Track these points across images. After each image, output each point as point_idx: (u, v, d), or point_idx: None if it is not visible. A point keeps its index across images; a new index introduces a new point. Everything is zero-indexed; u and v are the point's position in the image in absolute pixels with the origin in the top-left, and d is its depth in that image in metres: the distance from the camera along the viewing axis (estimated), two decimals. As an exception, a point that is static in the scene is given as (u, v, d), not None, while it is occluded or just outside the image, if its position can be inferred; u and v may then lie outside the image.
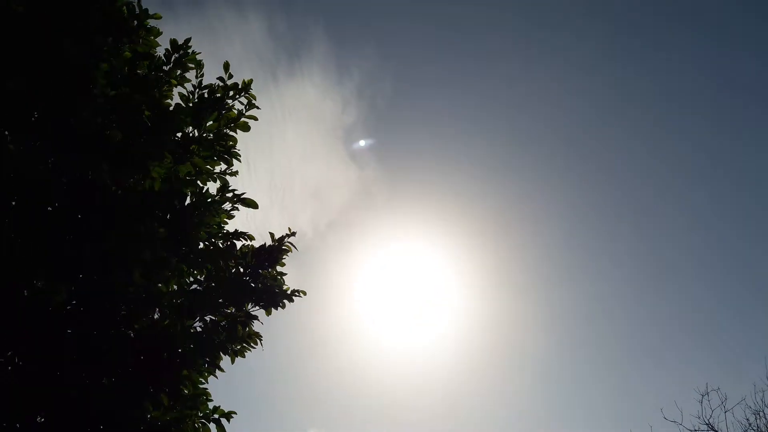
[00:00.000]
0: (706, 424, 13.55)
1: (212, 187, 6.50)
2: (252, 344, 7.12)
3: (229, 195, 6.42)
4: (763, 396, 13.42)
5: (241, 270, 6.80)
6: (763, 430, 13.47)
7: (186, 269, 6.58)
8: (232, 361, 6.99)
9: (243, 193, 6.49)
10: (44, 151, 5.38)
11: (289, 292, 7.05)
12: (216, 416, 6.40)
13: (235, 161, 6.64)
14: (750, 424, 13.40)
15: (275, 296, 7.01)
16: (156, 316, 6.55)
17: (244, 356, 7.14)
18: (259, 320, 6.92)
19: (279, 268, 6.97)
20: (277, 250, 6.84)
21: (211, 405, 6.41)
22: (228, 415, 6.46)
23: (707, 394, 13.49)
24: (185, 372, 6.32)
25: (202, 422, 6.30)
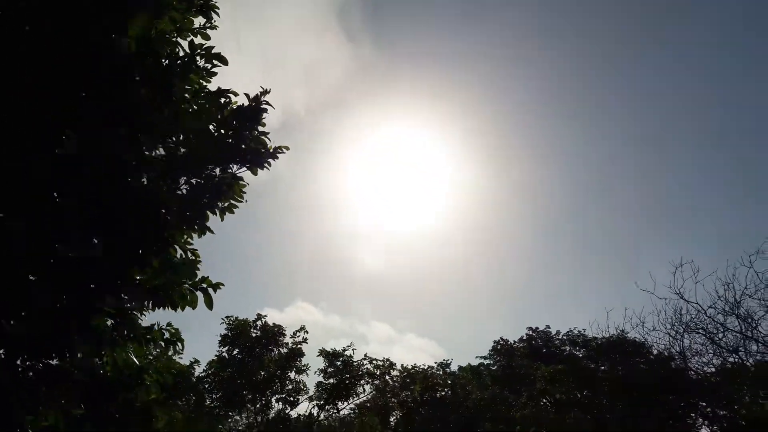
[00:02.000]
0: (677, 293, 13.34)
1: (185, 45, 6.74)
2: (239, 199, 7.31)
3: (199, 51, 6.60)
4: (735, 271, 13.96)
5: (223, 132, 6.97)
6: (731, 300, 13.29)
7: (171, 132, 6.88)
8: (221, 219, 7.27)
9: (212, 47, 6.66)
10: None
11: (272, 150, 7.10)
12: (204, 286, 6.67)
13: (215, 15, 6.83)
14: (719, 296, 12.86)
15: (260, 156, 7.14)
16: (144, 182, 6.90)
17: (233, 212, 7.36)
18: (244, 181, 7.07)
19: (261, 128, 7.07)
20: (255, 109, 6.95)
21: (200, 275, 6.68)
22: (216, 286, 6.75)
23: (681, 266, 13.37)
24: (173, 233, 6.61)
25: (189, 290, 6.59)
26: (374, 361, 23.77)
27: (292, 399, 21.81)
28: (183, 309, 6.55)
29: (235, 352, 21.17)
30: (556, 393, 31.28)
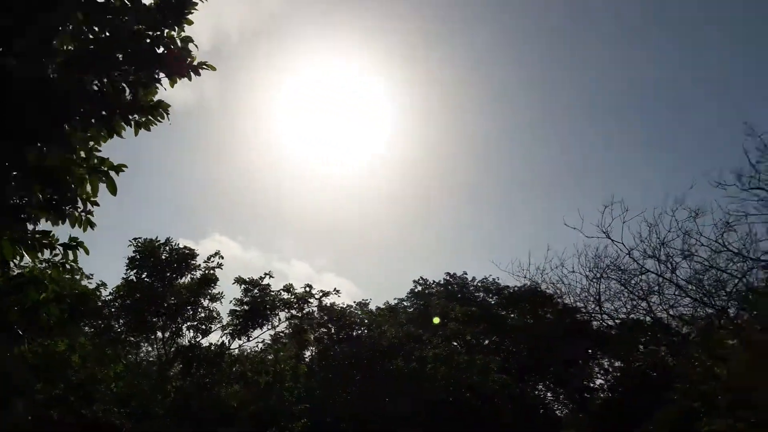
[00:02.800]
0: (604, 232, 14.71)
1: None
2: (158, 117, 6.95)
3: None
4: (661, 214, 14.35)
5: (143, 28, 6.46)
6: (654, 243, 14.11)
7: (85, 20, 6.31)
8: (135, 133, 6.89)
9: None
10: None
11: (195, 63, 6.71)
12: (104, 168, 6.28)
13: None
14: (642, 238, 14.12)
15: (181, 63, 6.71)
16: (51, 74, 6.38)
17: (149, 129, 6.98)
18: (162, 86, 6.67)
19: (186, 32, 6.61)
20: (181, 3, 6.45)
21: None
22: (118, 168, 6.35)
23: (611, 205, 14.49)
24: (75, 131, 6.17)
25: (88, 172, 6.20)
26: (293, 290, 23.70)
27: (204, 327, 21.58)
28: (82, 196, 6.16)
29: (143, 276, 20.53)
30: (467, 335, 32.72)
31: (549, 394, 46.74)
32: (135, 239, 20.47)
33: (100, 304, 19.83)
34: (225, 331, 22.06)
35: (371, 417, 28.28)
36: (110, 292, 20.25)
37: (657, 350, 29.14)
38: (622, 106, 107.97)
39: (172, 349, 21.32)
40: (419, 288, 46.94)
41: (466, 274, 50.56)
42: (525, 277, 15.46)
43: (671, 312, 14.29)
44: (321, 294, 24.26)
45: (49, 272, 6.76)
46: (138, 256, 20.41)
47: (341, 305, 36.03)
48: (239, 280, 22.49)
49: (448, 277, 51.44)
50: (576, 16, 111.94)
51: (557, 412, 45.37)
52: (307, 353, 33.18)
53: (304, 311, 23.77)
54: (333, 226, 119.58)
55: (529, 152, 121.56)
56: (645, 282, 14.36)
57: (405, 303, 49.65)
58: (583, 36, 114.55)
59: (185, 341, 21.26)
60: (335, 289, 24.51)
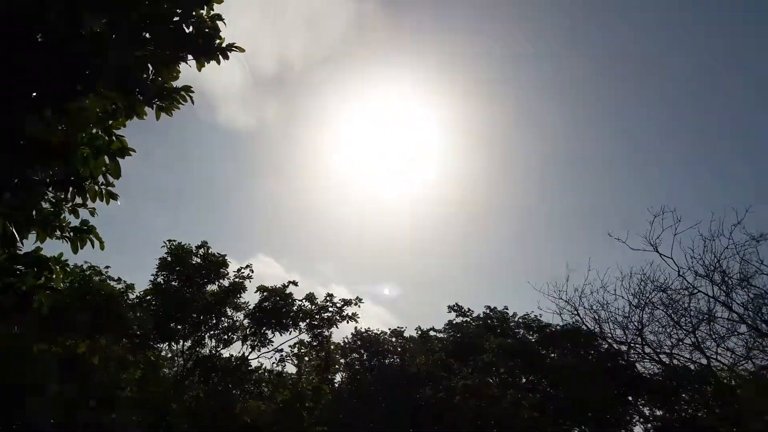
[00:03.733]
0: (651, 245, 13.14)
1: None
2: (181, 100, 6.80)
3: None
4: (722, 224, 12.90)
5: (166, 6, 6.33)
6: (708, 261, 12.56)
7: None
8: (157, 117, 6.77)
9: None
10: None
11: (224, 45, 6.56)
12: (111, 150, 6.11)
13: None
14: (695, 254, 12.53)
15: (209, 45, 6.55)
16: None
17: (170, 114, 6.84)
18: (187, 63, 6.53)
19: (216, 9, 6.46)
20: (211, -22, 6.30)
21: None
22: (124, 151, 6.17)
23: (661, 214, 12.87)
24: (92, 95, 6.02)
25: (93, 151, 6.03)
26: (314, 299, 23.22)
27: (225, 337, 21.34)
28: (86, 175, 5.95)
29: (173, 280, 20.45)
30: (501, 368, 31.67)
31: (586, 440, 44.89)
32: (169, 240, 20.50)
33: (125, 306, 19.90)
34: (246, 343, 21.72)
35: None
36: (137, 296, 20.25)
37: (703, 398, 27.60)
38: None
39: (192, 358, 21.11)
40: (456, 318, 45.85)
41: (506, 309, 49.42)
42: (561, 299, 14.41)
43: (721, 347, 13.08)
44: (342, 303, 23.55)
45: (56, 256, 6.51)
46: (169, 259, 20.36)
47: (375, 331, 35.74)
48: (261, 288, 22.16)
49: (488, 311, 50.31)
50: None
51: (593, 458, 43.42)
52: (337, 377, 32.83)
53: (325, 318, 23.13)
54: (375, 252, 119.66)
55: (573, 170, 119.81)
56: (695, 308, 13.24)
57: (441, 335, 48.74)
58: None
59: (206, 351, 21.01)
60: (357, 297, 23.78)
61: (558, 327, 42.94)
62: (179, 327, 20.53)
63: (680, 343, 14.48)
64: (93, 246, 6.86)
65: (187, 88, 6.73)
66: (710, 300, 12.78)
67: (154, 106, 6.73)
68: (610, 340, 15.09)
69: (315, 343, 22.86)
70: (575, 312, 14.87)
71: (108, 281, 19.81)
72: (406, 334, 40.04)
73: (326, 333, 22.99)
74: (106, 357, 19.22)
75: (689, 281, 12.55)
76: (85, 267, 19.53)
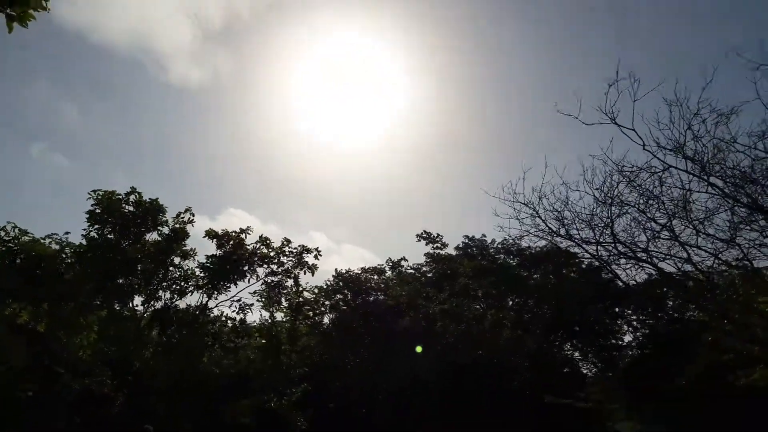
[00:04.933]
0: (608, 116, 10.61)
1: None
2: (38, 7, 5.25)
3: None
4: (687, 91, 10.41)
5: None
6: (678, 132, 10.26)
7: None
8: (9, 30, 5.29)
9: None
10: None
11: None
12: None
13: None
14: (661, 124, 10.36)
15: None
16: None
17: (25, 24, 5.30)
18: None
19: None
20: None
21: None
22: None
23: (616, 82, 10.26)
24: None
25: None
26: (269, 243, 21.62)
27: (178, 287, 19.86)
28: None
29: (107, 233, 18.74)
30: (479, 289, 30.74)
31: (577, 354, 44.94)
32: (94, 191, 18.60)
33: (64, 266, 18.28)
34: (201, 291, 20.27)
35: (381, 381, 26.88)
36: (73, 252, 18.55)
37: (685, 304, 26.82)
38: None
39: (147, 313, 19.66)
40: (427, 245, 44.33)
41: (485, 236, 48.32)
42: (518, 201, 12.57)
43: (702, 233, 11.45)
44: (301, 249, 22.02)
45: None
46: (98, 210, 18.58)
47: (356, 271, 34.82)
48: (210, 233, 20.54)
49: (466, 240, 49.28)
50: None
51: (585, 371, 43.52)
52: (325, 319, 32.05)
53: (282, 259, 21.66)
54: (348, 197, 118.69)
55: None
56: (667, 194, 11.50)
57: (424, 268, 47.79)
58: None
59: (161, 304, 19.56)
60: (316, 248, 22.20)
61: (538, 248, 42.23)
62: (128, 281, 18.94)
63: (657, 237, 12.84)
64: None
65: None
66: (684, 179, 10.96)
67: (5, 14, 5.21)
68: (577, 240, 13.15)
69: (273, 294, 21.42)
70: (535, 214, 12.97)
71: (40, 241, 18.07)
72: (389, 272, 39.16)
73: (288, 278, 21.54)
74: (53, 323, 17.80)
75: (659, 158, 10.59)
76: (9, 228, 17.79)
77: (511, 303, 42.79)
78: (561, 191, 12.81)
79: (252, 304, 20.89)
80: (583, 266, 41.29)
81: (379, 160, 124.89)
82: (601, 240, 12.99)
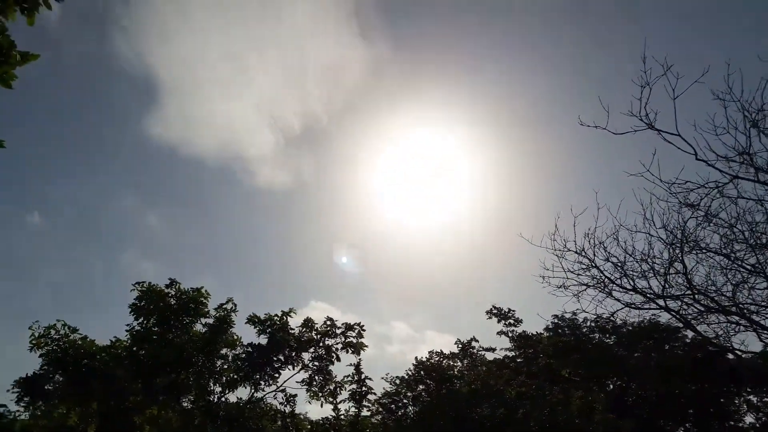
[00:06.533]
0: (643, 121, 7.80)
1: None
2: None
3: None
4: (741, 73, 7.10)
5: None
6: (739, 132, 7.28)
7: None
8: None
9: None
10: None
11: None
12: None
13: None
14: (716, 122, 7.32)
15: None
16: None
17: (32, 21, 4.82)
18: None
19: None
20: None
21: None
22: None
23: (647, 71, 7.37)
24: None
25: None
26: (313, 325, 20.09)
27: (228, 379, 18.64)
28: None
29: (152, 325, 18.04)
30: (562, 370, 27.48)
31: (690, 439, 39.28)
32: (138, 283, 18.18)
33: (111, 362, 17.65)
34: (248, 382, 18.89)
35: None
36: (121, 347, 17.93)
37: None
38: None
39: (199, 409, 18.46)
40: (498, 322, 40.88)
41: (575, 314, 44.46)
42: (568, 250, 10.43)
43: None
44: (345, 328, 20.36)
45: None
46: (141, 303, 18.03)
47: (435, 359, 32.65)
48: (252, 319, 19.35)
49: (555, 320, 45.47)
50: None
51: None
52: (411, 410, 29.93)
53: (330, 348, 19.99)
54: (427, 285, 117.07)
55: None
56: (741, 212, 8.96)
57: (512, 353, 44.24)
58: None
59: (213, 398, 18.35)
60: (359, 323, 20.55)
61: (635, 324, 38.37)
62: (178, 376, 17.96)
63: (744, 282, 10.32)
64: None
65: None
66: (760, 192, 8.49)
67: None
68: (647, 293, 10.71)
69: (320, 380, 19.74)
70: (592, 264, 10.74)
71: (88, 339, 17.63)
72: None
73: (331, 363, 19.89)
74: (104, 424, 16.96)
75: (720, 169, 8.07)
76: (59, 326, 17.50)
77: (611, 385, 38.66)
78: (618, 234, 10.60)
79: (296, 395, 19.34)
80: (687, 341, 37.06)
81: (455, 245, 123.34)
82: (676, 292, 10.61)
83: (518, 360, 39.16)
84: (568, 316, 46.09)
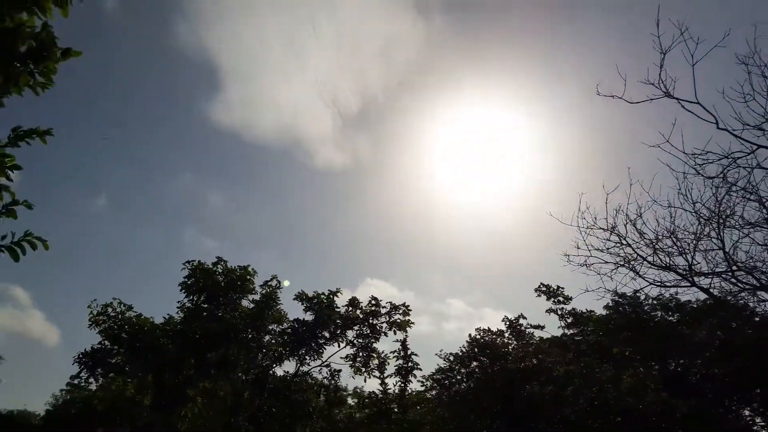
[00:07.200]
0: (663, 91, 7.04)
1: None
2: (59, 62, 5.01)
3: None
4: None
5: None
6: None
7: None
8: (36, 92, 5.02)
9: None
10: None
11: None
12: None
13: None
14: (742, 88, 6.63)
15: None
16: None
17: (50, 80, 5.00)
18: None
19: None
20: None
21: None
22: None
23: (661, 48, 6.88)
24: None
25: None
26: (358, 304, 20.42)
27: (276, 353, 19.23)
28: None
29: (202, 302, 18.77)
30: (614, 347, 26.71)
31: (758, 420, 37.57)
32: (189, 261, 19.02)
33: (162, 337, 18.51)
34: (294, 357, 19.42)
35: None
36: (175, 323, 18.75)
37: None
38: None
39: (248, 382, 19.16)
40: (547, 300, 39.94)
41: (638, 292, 42.80)
42: (598, 228, 10.13)
43: None
44: (390, 308, 20.52)
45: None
46: (191, 281, 18.77)
47: (489, 336, 32.47)
48: (300, 296, 19.81)
49: (616, 298, 44.09)
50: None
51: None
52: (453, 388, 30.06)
53: (375, 326, 20.21)
54: (485, 263, 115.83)
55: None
56: None
57: (570, 331, 43.33)
58: None
59: (258, 371, 18.99)
60: (404, 303, 20.72)
61: (699, 302, 36.78)
62: (228, 350, 18.67)
63: None
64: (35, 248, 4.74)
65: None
66: None
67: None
68: (682, 272, 10.28)
69: (364, 354, 20.07)
70: (624, 242, 10.40)
71: (143, 316, 18.53)
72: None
73: (376, 340, 20.15)
74: (158, 395, 17.89)
75: (744, 139, 7.58)
76: (116, 304, 18.46)
77: (672, 364, 37.36)
78: (652, 210, 10.11)
79: (340, 370, 19.79)
80: (757, 319, 35.28)
81: (507, 223, 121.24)
82: (709, 270, 10.09)
83: (576, 338, 38.38)
84: (629, 293, 44.72)
